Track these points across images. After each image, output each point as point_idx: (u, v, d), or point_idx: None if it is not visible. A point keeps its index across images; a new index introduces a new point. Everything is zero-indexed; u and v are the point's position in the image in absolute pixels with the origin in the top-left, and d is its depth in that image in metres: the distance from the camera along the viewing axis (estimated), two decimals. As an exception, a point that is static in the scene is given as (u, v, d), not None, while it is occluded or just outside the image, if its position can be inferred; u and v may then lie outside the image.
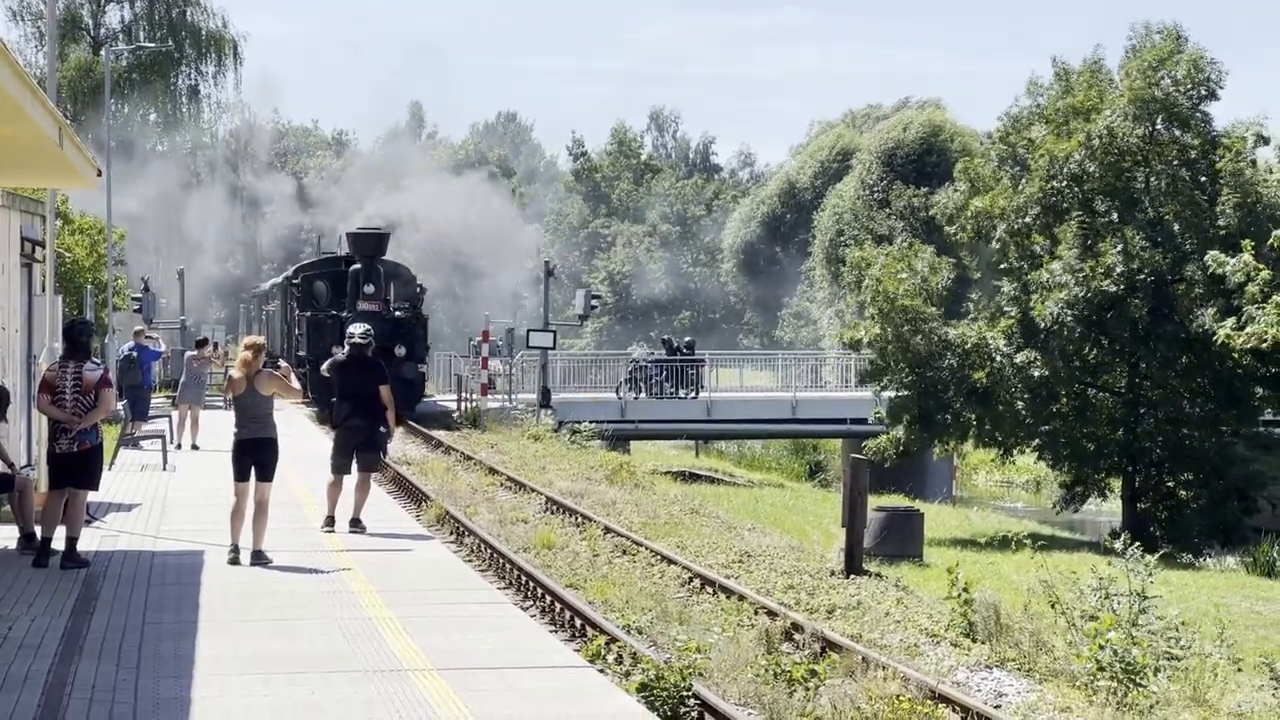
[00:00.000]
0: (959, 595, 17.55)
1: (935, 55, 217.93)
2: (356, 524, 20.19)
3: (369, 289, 45.28)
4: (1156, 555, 18.25)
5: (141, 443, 31.34)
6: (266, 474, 17.58)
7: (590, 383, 57.02)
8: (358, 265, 46.17)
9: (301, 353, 47.07)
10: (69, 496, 16.92)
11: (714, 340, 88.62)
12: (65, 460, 16.87)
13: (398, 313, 46.18)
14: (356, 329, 20.83)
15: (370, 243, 46.66)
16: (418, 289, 49.77)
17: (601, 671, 13.58)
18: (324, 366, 20.95)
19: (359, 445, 20.45)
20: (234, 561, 17.24)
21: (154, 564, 17.40)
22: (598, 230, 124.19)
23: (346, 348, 20.62)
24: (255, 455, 17.56)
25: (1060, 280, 36.51)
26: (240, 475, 17.59)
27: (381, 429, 20.43)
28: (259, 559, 17.29)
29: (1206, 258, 33.60)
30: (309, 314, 47.36)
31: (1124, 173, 37.57)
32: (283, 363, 18.91)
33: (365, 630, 13.65)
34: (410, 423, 42.24)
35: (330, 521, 20.17)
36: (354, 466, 20.56)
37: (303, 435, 33.79)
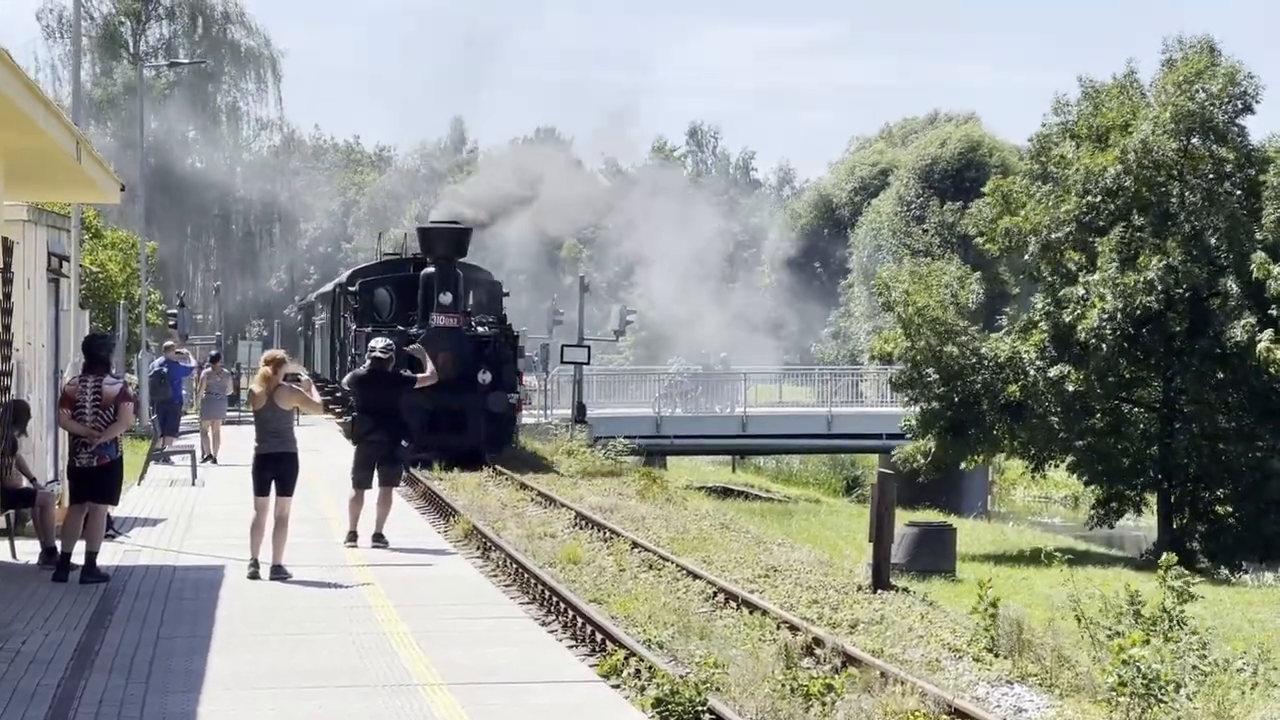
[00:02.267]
0: (985, 609, 17.40)
1: (972, 68, 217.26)
2: (379, 539, 20.16)
3: (445, 298, 37.09)
4: (1194, 571, 18.05)
5: (173, 458, 31.43)
6: (286, 489, 17.56)
7: (629, 398, 56.93)
8: (430, 269, 38.02)
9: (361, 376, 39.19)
10: (89, 511, 16.92)
11: (751, 355, 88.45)
12: (85, 475, 16.89)
13: (481, 329, 38.19)
14: (378, 343, 20.96)
15: (448, 240, 38.05)
16: (503, 296, 42.10)
17: (615, 687, 13.52)
18: (345, 380, 21.02)
19: (380, 460, 20.47)
20: (253, 576, 17.21)
21: (174, 579, 17.39)
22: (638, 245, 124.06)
23: (368, 361, 20.70)
24: (275, 470, 17.55)
25: (1099, 293, 36.27)
26: (260, 490, 17.59)
27: (403, 444, 20.47)
28: (278, 574, 17.26)
29: (1251, 259, 33.35)
30: (369, 329, 36.68)
31: (1159, 187, 37.32)
32: (304, 375, 18.91)
33: (379, 645, 13.60)
34: (498, 467, 35.84)
35: (353, 536, 20.15)
36: (375, 481, 20.58)
37: (331, 449, 33.83)
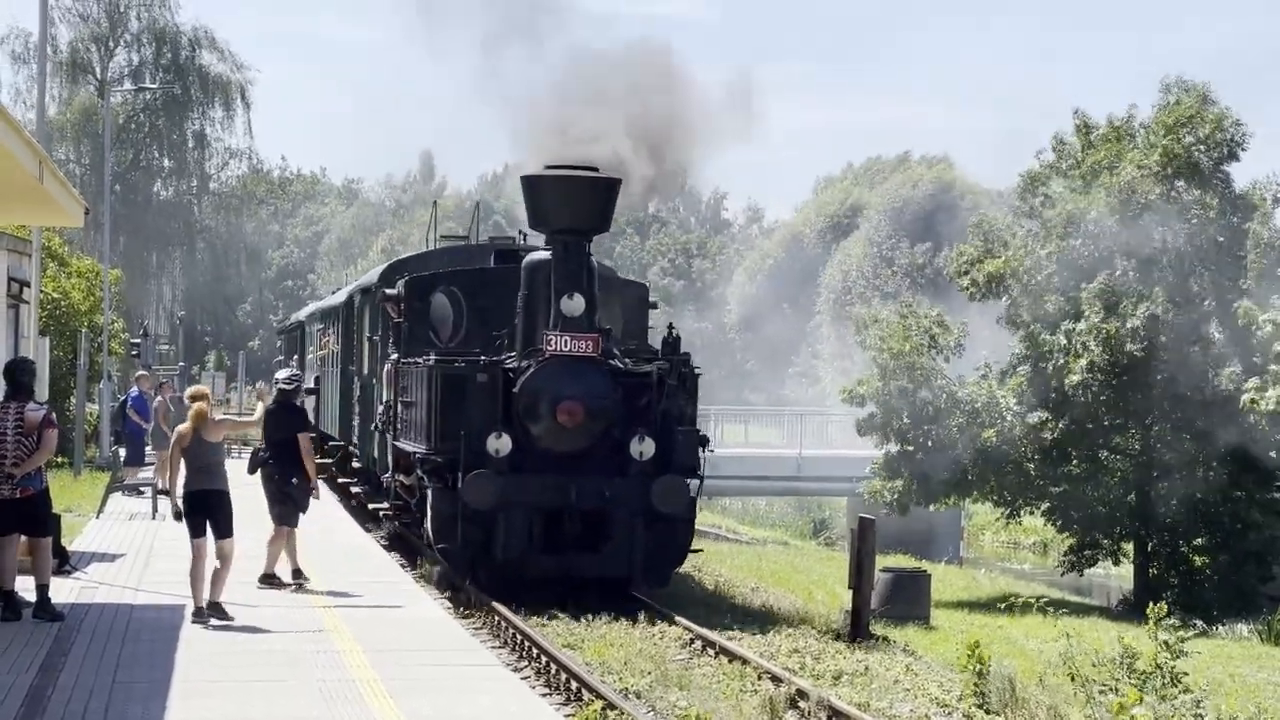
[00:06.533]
0: (974, 667, 16.79)
1: (940, 108, 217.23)
2: (269, 579, 19.37)
3: (573, 304, 20.88)
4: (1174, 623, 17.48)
5: (139, 489, 30.55)
6: (222, 530, 16.75)
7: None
8: (543, 254, 21.69)
9: (414, 447, 22.33)
10: (32, 545, 16.23)
11: (717, 395, 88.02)
12: (9, 507, 16.08)
13: (629, 360, 22.19)
14: (282, 374, 20.74)
15: (582, 200, 21.23)
16: (650, 309, 26.19)
17: (594, 741, 12.91)
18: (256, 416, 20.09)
19: (277, 494, 19.75)
20: (200, 624, 16.44)
21: (132, 618, 16.71)
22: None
23: (274, 392, 20.34)
24: (205, 510, 16.75)
25: (1082, 342, 35.76)
26: (195, 531, 16.76)
27: (294, 480, 19.55)
28: (215, 611, 16.48)
29: (1235, 307, 32.93)
30: (430, 360, 21.70)
31: (1143, 231, 36.85)
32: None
33: (346, 693, 12.98)
34: (672, 617, 20.22)
35: (297, 574, 19.51)
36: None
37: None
